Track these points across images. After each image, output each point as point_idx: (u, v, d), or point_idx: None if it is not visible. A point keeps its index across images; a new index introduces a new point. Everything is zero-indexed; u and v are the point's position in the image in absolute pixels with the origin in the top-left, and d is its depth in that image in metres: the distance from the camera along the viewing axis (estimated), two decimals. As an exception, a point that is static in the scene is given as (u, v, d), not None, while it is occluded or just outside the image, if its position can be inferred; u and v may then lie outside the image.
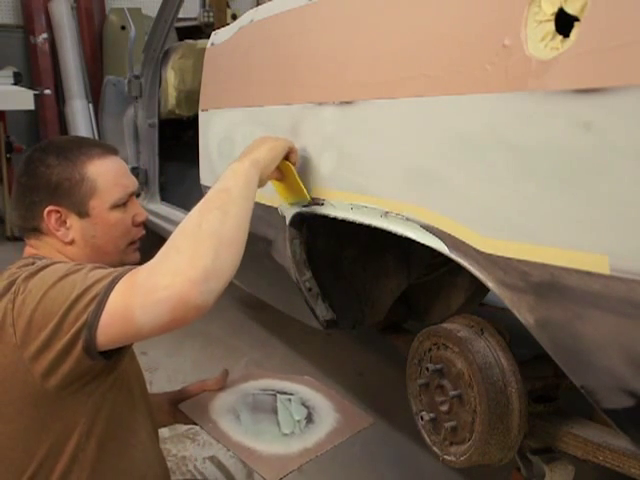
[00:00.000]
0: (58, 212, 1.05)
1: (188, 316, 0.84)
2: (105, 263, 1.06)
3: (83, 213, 1.06)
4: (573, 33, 0.77)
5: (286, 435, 1.15)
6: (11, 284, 0.95)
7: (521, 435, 1.09)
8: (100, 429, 1.00)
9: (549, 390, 1.22)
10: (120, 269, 0.91)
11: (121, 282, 0.88)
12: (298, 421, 1.18)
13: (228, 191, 0.98)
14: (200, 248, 0.86)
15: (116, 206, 1.08)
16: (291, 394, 1.27)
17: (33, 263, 1.00)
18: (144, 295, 0.84)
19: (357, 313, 1.64)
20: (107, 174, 1.08)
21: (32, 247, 1.08)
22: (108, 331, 0.87)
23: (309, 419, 1.20)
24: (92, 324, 0.87)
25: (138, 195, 1.16)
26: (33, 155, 1.08)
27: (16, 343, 0.91)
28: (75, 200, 1.05)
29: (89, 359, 0.90)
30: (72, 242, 1.06)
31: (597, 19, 0.74)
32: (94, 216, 1.06)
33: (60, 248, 1.07)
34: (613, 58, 0.72)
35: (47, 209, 1.04)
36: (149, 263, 0.88)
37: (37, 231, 1.07)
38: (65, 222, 1.06)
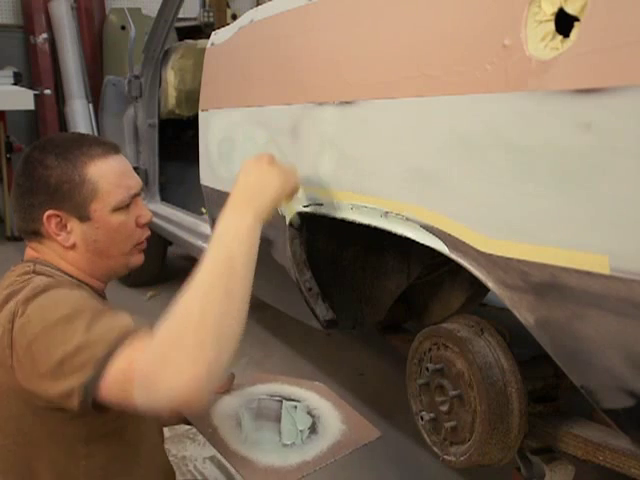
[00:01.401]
0: (58, 216, 1.01)
1: (187, 408, 0.84)
2: (109, 266, 1.06)
3: (84, 217, 1.02)
4: (573, 33, 0.77)
5: (286, 446, 1.12)
6: (9, 297, 0.92)
7: (521, 435, 1.09)
8: (103, 452, 1.00)
9: (549, 390, 1.22)
10: (123, 328, 0.86)
11: (122, 357, 0.83)
12: (301, 431, 1.15)
13: (232, 260, 0.90)
14: (204, 345, 0.81)
15: (118, 209, 1.03)
16: (298, 401, 1.25)
17: (33, 271, 0.98)
18: (143, 387, 0.81)
19: (357, 313, 1.64)
20: (109, 175, 1.03)
21: (33, 250, 1.05)
22: (105, 398, 0.85)
23: (313, 429, 1.16)
24: (89, 387, 0.84)
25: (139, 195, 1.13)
26: (31, 155, 1.03)
27: (12, 366, 0.90)
28: (75, 203, 1.01)
29: (85, 411, 0.87)
30: (73, 246, 1.02)
31: (597, 19, 0.74)
32: (95, 220, 1.02)
33: (61, 253, 1.03)
34: (613, 58, 0.72)
35: (47, 213, 1.00)
36: (152, 348, 0.82)
37: (38, 234, 1.03)
38: (65, 226, 1.02)
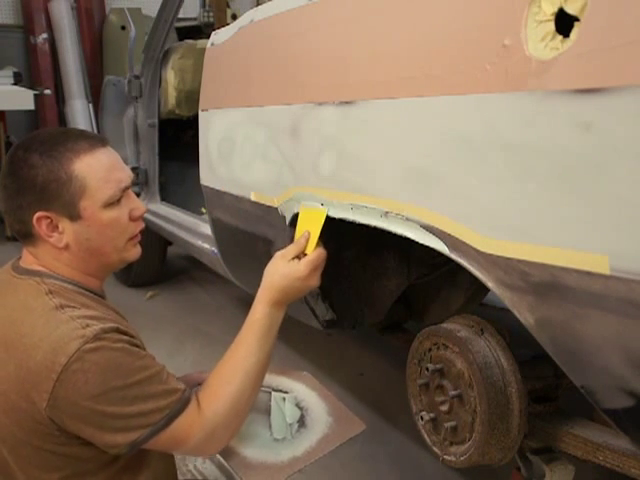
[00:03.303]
0: (48, 217, 0.98)
1: None
2: (104, 263, 1.05)
3: (74, 216, 0.98)
4: (573, 33, 0.77)
5: (277, 441, 1.14)
6: (44, 337, 0.90)
7: (521, 435, 1.09)
8: (112, 468, 1.01)
9: (549, 390, 1.22)
10: (175, 397, 0.97)
11: (177, 428, 0.96)
12: (290, 425, 1.17)
13: (267, 355, 1.09)
14: (241, 422, 1.05)
15: (109, 204, 1.00)
16: (286, 392, 1.27)
17: (50, 291, 0.96)
18: (189, 451, 1.02)
19: (357, 313, 1.64)
20: (97, 170, 0.99)
21: (30, 254, 1.03)
22: (145, 447, 0.96)
23: (301, 422, 1.19)
24: (136, 445, 0.94)
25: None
26: (16, 154, 0.99)
27: (44, 407, 0.90)
28: (64, 202, 0.97)
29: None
30: (67, 247, 1.00)
31: (597, 19, 0.74)
32: (86, 218, 0.99)
33: (56, 255, 1.01)
34: (613, 58, 0.72)
35: (36, 215, 0.97)
36: (205, 428, 0.99)
37: (30, 236, 1.01)
38: (57, 227, 0.99)
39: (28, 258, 1.04)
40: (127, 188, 1.04)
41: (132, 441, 0.93)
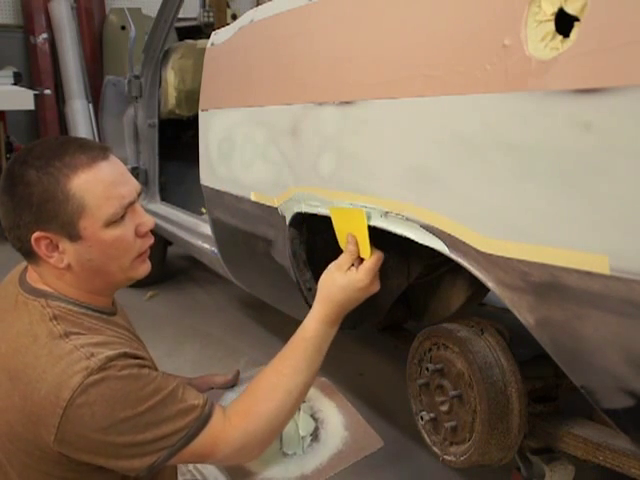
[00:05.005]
0: (47, 238, 0.92)
1: None
2: (109, 282, 1.00)
3: (74, 236, 0.92)
4: (573, 33, 0.77)
5: (287, 455, 1.09)
6: (47, 366, 0.87)
7: (521, 435, 1.09)
8: None
9: (549, 390, 1.22)
10: (194, 414, 0.94)
11: (203, 442, 0.94)
12: (303, 438, 1.12)
13: (313, 373, 1.05)
14: (275, 437, 1.04)
15: (112, 222, 0.93)
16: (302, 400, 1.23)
17: (54, 316, 0.93)
18: (219, 461, 1.01)
19: (357, 313, 1.63)
20: (96, 188, 0.91)
21: (34, 272, 0.99)
22: (169, 463, 0.94)
23: (315, 436, 1.13)
24: (155, 467, 0.92)
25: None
26: (12, 169, 0.93)
27: (50, 440, 0.88)
28: (62, 223, 0.91)
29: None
30: (68, 267, 0.95)
31: (597, 19, 0.74)
32: (87, 238, 0.92)
33: (58, 275, 0.96)
34: (613, 58, 0.72)
35: (34, 235, 0.91)
36: (238, 439, 0.97)
37: (32, 255, 0.96)
38: (57, 247, 0.93)
39: (33, 275, 1.00)
40: (132, 203, 0.97)
41: (150, 464, 0.91)
